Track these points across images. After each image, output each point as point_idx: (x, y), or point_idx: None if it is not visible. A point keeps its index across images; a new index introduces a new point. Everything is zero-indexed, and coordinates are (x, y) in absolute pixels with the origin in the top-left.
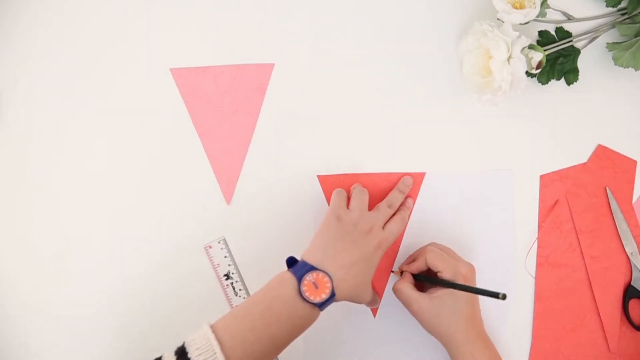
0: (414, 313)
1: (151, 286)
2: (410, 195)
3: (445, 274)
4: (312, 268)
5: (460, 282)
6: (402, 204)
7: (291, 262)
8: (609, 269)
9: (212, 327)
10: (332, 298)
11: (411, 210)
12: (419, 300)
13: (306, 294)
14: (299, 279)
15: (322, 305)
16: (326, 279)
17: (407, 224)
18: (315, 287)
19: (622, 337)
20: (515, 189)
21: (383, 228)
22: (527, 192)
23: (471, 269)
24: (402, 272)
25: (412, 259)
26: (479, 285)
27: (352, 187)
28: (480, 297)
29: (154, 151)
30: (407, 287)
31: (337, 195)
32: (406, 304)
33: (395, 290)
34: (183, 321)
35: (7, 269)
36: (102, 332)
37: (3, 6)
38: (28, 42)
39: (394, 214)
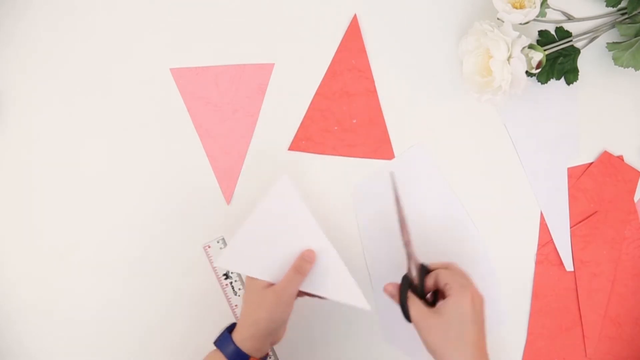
0: (420, 331)
1: (150, 285)
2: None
3: (453, 287)
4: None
5: (467, 301)
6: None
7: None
8: (597, 275)
9: None
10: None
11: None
12: (427, 317)
13: None
14: None
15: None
16: None
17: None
18: None
19: (601, 342)
20: (522, 187)
21: None
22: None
23: (481, 297)
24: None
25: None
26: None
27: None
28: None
29: (154, 151)
30: (415, 301)
31: None
32: (416, 321)
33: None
34: (182, 320)
35: (8, 269)
36: (101, 331)
37: (4, 7)
38: (29, 43)
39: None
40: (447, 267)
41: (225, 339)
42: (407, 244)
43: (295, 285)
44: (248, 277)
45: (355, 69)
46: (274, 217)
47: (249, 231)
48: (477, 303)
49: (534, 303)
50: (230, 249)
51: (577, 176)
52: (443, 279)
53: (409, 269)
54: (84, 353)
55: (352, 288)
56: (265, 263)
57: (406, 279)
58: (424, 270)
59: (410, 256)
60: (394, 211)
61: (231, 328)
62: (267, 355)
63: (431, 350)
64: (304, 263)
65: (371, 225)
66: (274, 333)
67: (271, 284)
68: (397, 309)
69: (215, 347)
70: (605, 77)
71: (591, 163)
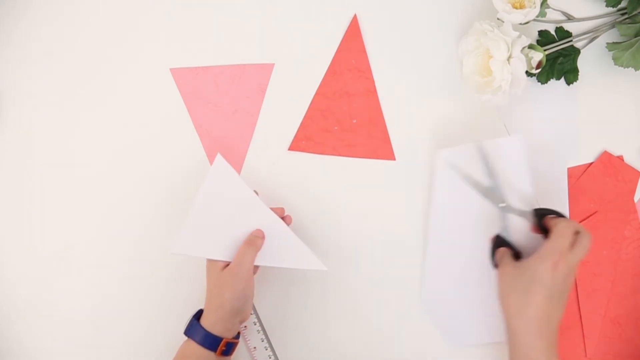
0: (498, 278)
1: (150, 285)
2: None
3: (546, 244)
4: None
5: (547, 264)
6: None
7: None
8: (597, 275)
9: None
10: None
11: None
12: (504, 265)
13: None
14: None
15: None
16: None
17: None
18: None
19: (601, 342)
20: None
21: None
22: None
23: (568, 271)
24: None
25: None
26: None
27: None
28: None
29: (154, 151)
30: (505, 252)
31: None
32: (499, 266)
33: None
34: (182, 319)
35: (8, 269)
36: (100, 331)
37: (4, 7)
38: (29, 43)
39: None
40: (563, 224)
41: (194, 327)
42: (504, 206)
43: (249, 258)
44: (208, 261)
45: (355, 69)
46: (219, 197)
47: (197, 215)
48: (561, 274)
49: None
50: (183, 234)
51: (577, 176)
52: (552, 230)
53: (503, 228)
54: (84, 353)
55: (307, 254)
56: (219, 243)
57: (498, 237)
58: (537, 214)
59: (505, 217)
60: (484, 179)
61: (198, 315)
62: (238, 334)
63: (499, 297)
64: (254, 238)
65: (449, 199)
66: (240, 311)
67: (228, 264)
68: (447, 278)
69: (186, 338)
70: (605, 77)
71: (591, 163)
